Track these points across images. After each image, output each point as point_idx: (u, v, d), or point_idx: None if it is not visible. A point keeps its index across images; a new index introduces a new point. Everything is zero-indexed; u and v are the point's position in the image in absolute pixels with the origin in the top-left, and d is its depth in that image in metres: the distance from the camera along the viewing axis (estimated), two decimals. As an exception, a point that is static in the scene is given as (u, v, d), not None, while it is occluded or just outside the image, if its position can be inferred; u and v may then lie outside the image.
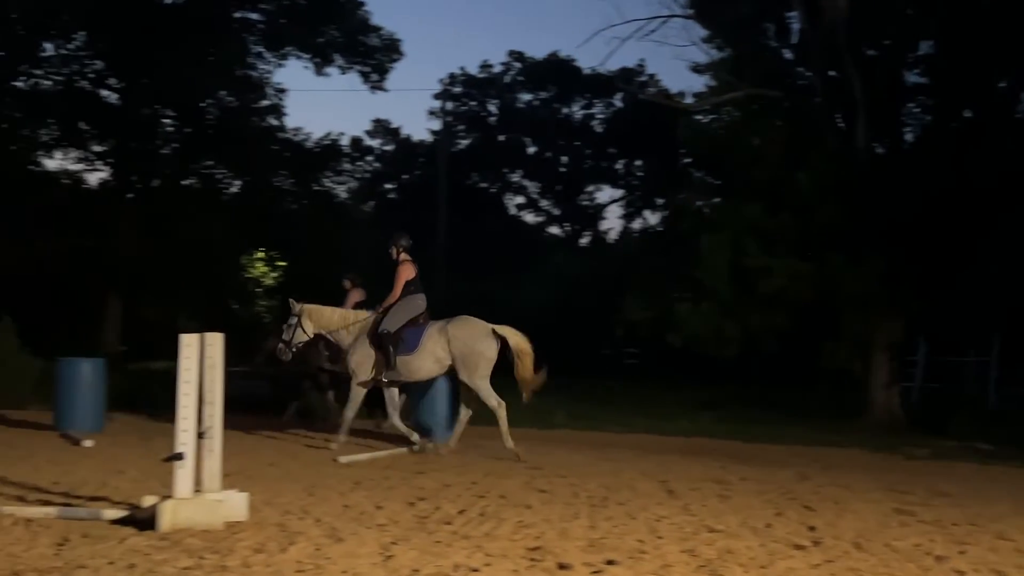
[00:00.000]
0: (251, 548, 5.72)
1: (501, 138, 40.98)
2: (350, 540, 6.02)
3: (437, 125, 39.14)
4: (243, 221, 30.11)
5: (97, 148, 30.29)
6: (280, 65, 31.43)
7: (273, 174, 31.71)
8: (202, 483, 6.40)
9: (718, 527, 6.79)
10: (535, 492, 8.28)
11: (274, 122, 31.62)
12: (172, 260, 28.36)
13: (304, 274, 29.99)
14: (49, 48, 29.19)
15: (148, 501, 6.34)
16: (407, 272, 11.77)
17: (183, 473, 6.30)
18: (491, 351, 11.20)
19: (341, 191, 34.93)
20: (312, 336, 12.03)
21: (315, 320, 11.96)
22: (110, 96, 30.09)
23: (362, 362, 11.61)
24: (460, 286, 28.18)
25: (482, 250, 34.50)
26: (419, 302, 11.72)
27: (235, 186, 32.29)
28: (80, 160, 30.36)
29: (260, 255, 34.87)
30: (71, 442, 11.44)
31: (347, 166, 35.52)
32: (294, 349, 12.04)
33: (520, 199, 41.60)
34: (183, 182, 31.27)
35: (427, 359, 11.38)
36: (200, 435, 6.38)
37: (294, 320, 11.92)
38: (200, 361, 6.42)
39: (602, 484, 8.80)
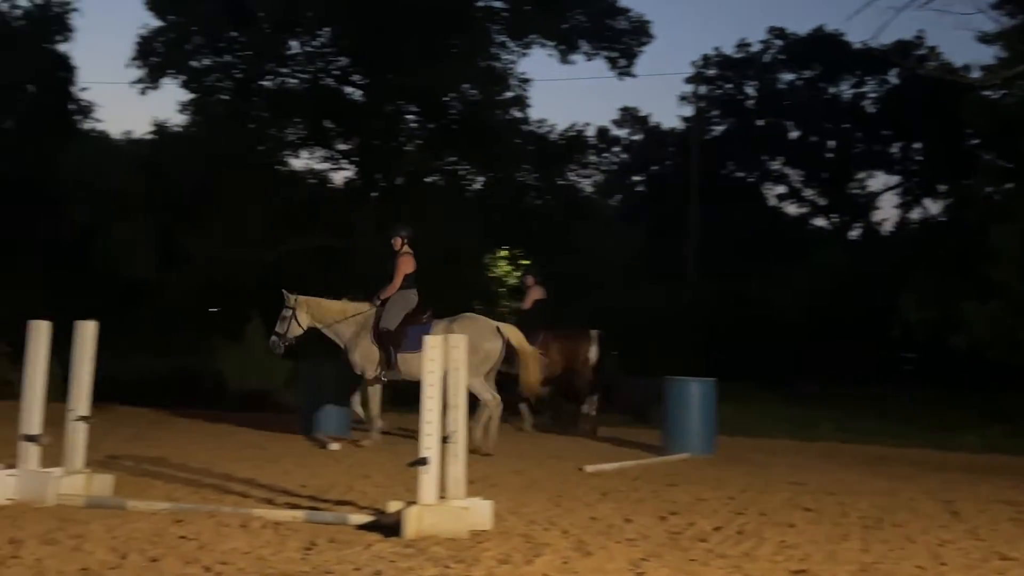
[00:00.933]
0: (496, 558, 5.86)
1: (760, 123, 40.09)
2: (598, 554, 6.06)
3: (689, 111, 38.76)
4: (486, 218, 30.83)
5: (342, 146, 31.78)
6: (524, 54, 31.96)
7: (516, 169, 32.28)
8: (447, 489, 6.61)
9: (1011, 554, 6.40)
10: (799, 510, 8.06)
11: (518, 114, 32.16)
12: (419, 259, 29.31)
13: (548, 272, 30.43)
14: (295, 46, 30.87)
15: (393, 507, 6.59)
16: (407, 265, 12.29)
17: (428, 479, 6.52)
18: (495, 350, 11.83)
19: (586, 185, 35.20)
20: (306, 329, 12.35)
21: (312, 312, 12.34)
22: (354, 93, 31.53)
23: (366, 357, 12.11)
24: (712, 286, 27.80)
25: (737, 246, 33.89)
26: (412, 297, 12.24)
27: (478, 182, 33.12)
28: (326, 159, 31.98)
29: (503, 254, 35.62)
30: (318, 445, 12.08)
31: (593, 158, 35.72)
32: (288, 343, 12.43)
33: (781, 189, 40.56)
34: (426, 179, 32.37)
35: None
36: (444, 440, 6.59)
37: (288, 312, 12.33)
38: (444, 364, 6.63)
39: (875, 503, 8.46)
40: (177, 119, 36.15)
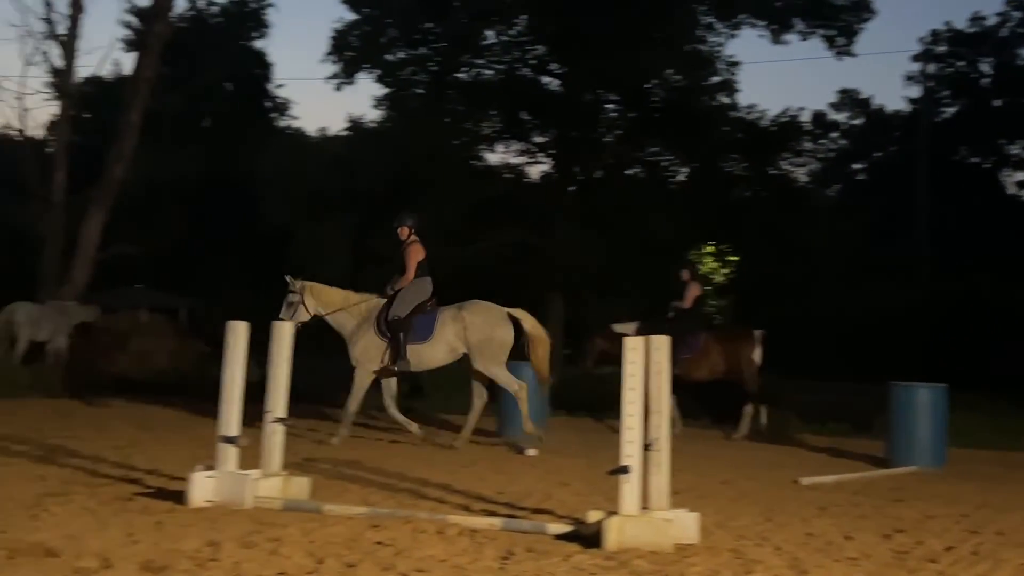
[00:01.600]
0: (703, 574, 5.80)
1: (996, 103, 38.31)
2: (815, 573, 5.92)
3: (916, 92, 37.49)
4: (691, 212, 30.53)
5: (538, 139, 32.04)
6: (732, 36, 31.49)
7: (724, 158, 31.84)
8: (649, 500, 6.58)
9: None
10: (1042, 531, 7.68)
11: (725, 100, 31.69)
12: (614, 256, 29.30)
13: (758, 270, 29.92)
14: (490, 36, 31.30)
15: (593, 516, 6.60)
16: (418, 254, 12.40)
17: (629, 488, 6.50)
18: (509, 336, 12.02)
19: (801, 174, 34.41)
20: (312, 316, 12.36)
21: (317, 299, 12.41)
22: (551, 83, 31.74)
23: (368, 350, 12.21)
24: (944, 284, 26.71)
25: (972, 239, 32.48)
26: (427, 286, 12.37)
27: (682, 173, 32.83)
28: (522, 152, 32.31)
29: (709, 249, 35.21)
30: (515, 450, 12.23)
31: (808, 145, 34.86)
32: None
33: (1021, 175, 38.70)
34: (627, 171, 32.29)
35: (441, 347, 12.15)
36: (646, 447, 6.56)
37: (296, 298, 12.38)
38: (646, 367, 6.60)
39: None
40: (371, 115, 37.27)
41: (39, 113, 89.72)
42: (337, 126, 72.18)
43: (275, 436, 7.86)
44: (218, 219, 34.84)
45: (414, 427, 12.60)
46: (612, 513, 6.50)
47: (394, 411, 12.73)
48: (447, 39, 31.00)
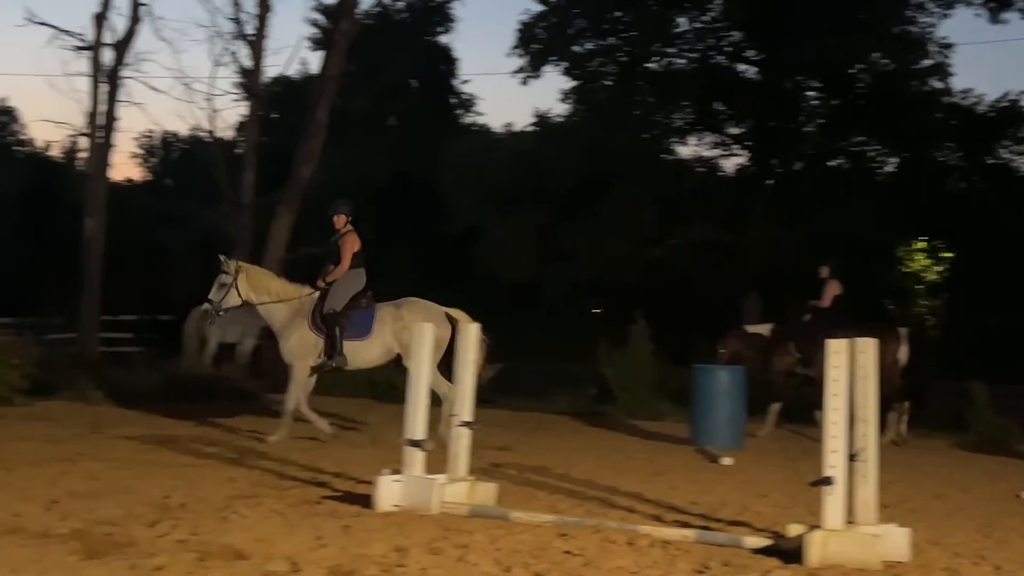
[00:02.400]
0: (914, 596, 5.63)
1: None
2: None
3: None
4: (900, 205, 29.65)
5: (733, 130, 31.65)
6: (945, 16, 30.48)
7: (936, 147, 30.81)
8: (855, 513, 6.42)
9: None
10: None
11: (938, 84, 30.70)
12: (814, 252, 28.68)
13: (976, 268, 28.79)
14: (683, 23, 31.10)
15: (794, 530, 6.49)
16: (353, 244, 12.15)
17: (832, 500, 6.36)
18: (447, 336, 11.64)
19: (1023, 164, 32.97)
20: (243, 302, 12.17)
21: (252, 284, 12.15)
22: (747, 71, 31.32)
23: (303, 345, 11.99)
24: None
25: None
26: (361, 277, 12.17)
27: (889, 164, 31.92)
28: (715, 145, 31.98)
29: (920, 245, 34.10)
30: (708, 459, 12.10)
31: (1031, 132, 33.40)
32: (220, 312, 12.27)
33: None
34: (829, 163, 31.59)
35: (377, 346, 12.08)
36: (852, 457, 6.40)
37: (228, 279, 12.14)
38: (850, 372, 6.45)
39: None
40: (558, 109, 37.49)
41: (228, 114, 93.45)
42: (523, 121, 72.75)
43: (461, 440, 7.98)
44: (403, 219, 35.59)
45: (324, 424, 12.35)
46: (814, 527, 6.37)
47: (305, 408, 12.39)
48: (637, 28, 30.94)
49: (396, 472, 7.74)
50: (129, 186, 48.80)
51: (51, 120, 64.81)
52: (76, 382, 16.04)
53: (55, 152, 50.19)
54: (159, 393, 16.30)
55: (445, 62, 44.54)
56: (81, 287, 22.79)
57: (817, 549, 6.23)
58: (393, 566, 5.92)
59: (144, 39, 73.20)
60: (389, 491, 7.64)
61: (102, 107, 23.07)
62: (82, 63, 23.52)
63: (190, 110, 32.34)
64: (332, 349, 11.95)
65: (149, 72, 60.00)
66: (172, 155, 58.09)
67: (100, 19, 22.91)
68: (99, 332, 23.30)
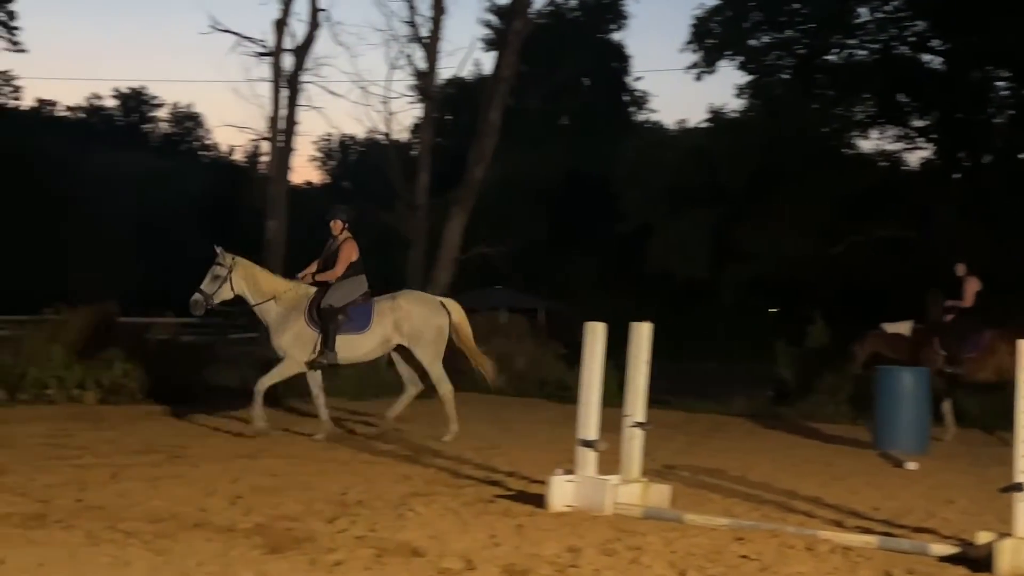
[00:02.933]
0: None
1: None
2: None
3: None
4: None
5: (918, 123, 30.76)
6: None
7: None
8: (1048, 523, 6.19)
9: None
10: None
11: None
12: (1005, 251, 27.64)
13: None
14: (863, 13, 30.37)
15: (983, 538, 6.28)
16: (352, 252, 11.94)
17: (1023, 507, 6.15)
18: (446, 325, 12.13)
19: None
20: (235, 295, 11.96)
21: (247, 279, 11.95)
22: (932, 61, 30.40)
23: (300, 340, 11.78)
24: None
25: None
26: (363, 284, 12.01)
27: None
28: (899, 138, 31.14)
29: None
30: (892, 463, 11.79)
31: None
32: (211, 306, 11.96)
33: None
34: (1021, 155, 30.43)
35: (376, 338, 11.98)
36: (1045, 464, 6.17)
37: (223, 272, 11.94)
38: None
39: None
40: (733, 104, 37.11)
41: (404, 117, 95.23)
42: (697, 117, 72.17)
43: (634, 441, 7.96)
44: (576, 218, 35.68)
45: (325, 425, 12.11)
46: (1005, 535, 6.16)
47: (321, 405, 12.20)
48: (815, 19, 30.35)
49: (569, 472, 7.77)
50: (308, 189, 50.20)
51: (234, 125, 67.14)
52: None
53: (238, 156, 52.01)
54: (338, 391, 16.73)
55: (618, 59, 44.49)
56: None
57: (1008, 558, 6.03)
58: (566, 566, 5.94)
59: (323, 44, 75.18)
60: (562, 491, 7.68)
61: (283, 111, 23.77)
62: (263, 69, 24.25)
63: (366, 113, 33.12)
64: (324, 345, 11.77)
65: (327, 76, 61.69)
66: (349, 158, 59.58)
67: (281, 25, 23.61)
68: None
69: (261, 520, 6.91)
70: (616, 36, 44.36)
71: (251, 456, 10.06)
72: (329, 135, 60.71)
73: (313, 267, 12.19)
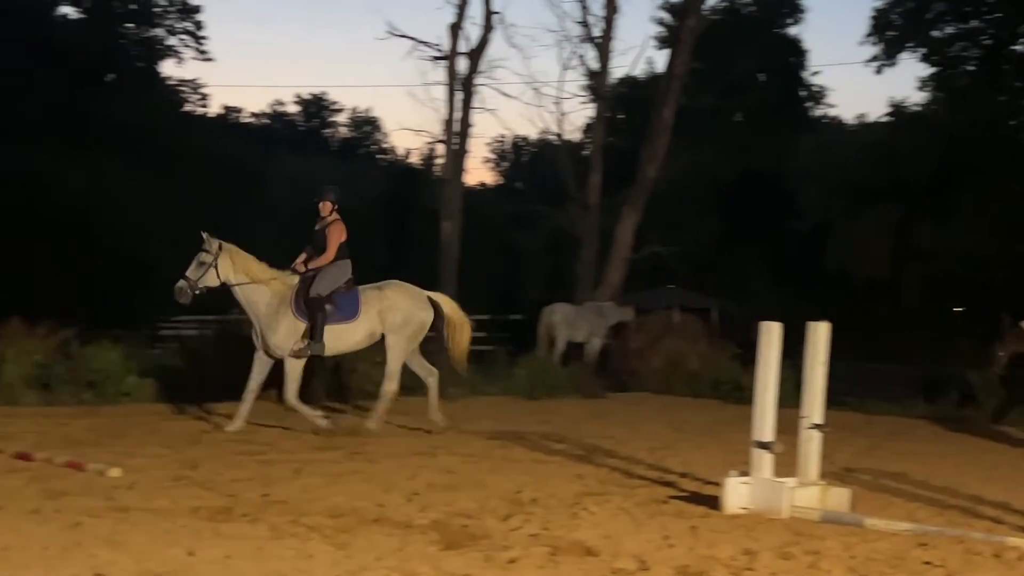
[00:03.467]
0: None
1: None
2: None
3: None
4: None
5: None
6: None
7: None
8: None
9: None
10: None
11: None
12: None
13: None
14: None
15: None
16: (340, 233, 11.72)
17: None
18: (429, 319, 11.98)
19: None
20: (221, 283, 11.62)
21: (234, 266, 11.62)
22: None
23: (290, 335, 11.55)
24: None
25: None
26: (347, 269, 11.76)
27: None
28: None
29: None
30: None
31: None
32: (197, 292, 11.60)
33: None
34: None
35: (363, 328, 11.76)
36: None
37: (208, 259, 11.59)
38: None
39: None
40: (915, 97, 36.10)
41: (576, 117, 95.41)
42: (877, 112, 70.33)
43: (812, 443, 7.82)
44: (750, 216, 35.21)
45: (312, 415, 11.84)
46: None
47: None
48: (1003, 8, 29.27)
49: (744, 474, 7.68)
50: (482, 189, 50.80)
51: (410, 128, 68.40)
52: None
53: (414, 159, 52.93)
54: (510, 390, 16.91)
55: (794, 54, 43.69)
56: (437, 287, 23.88)
57: None
58: (742, 569, 5.87)
59: (496, 46, 76.03)
60: (737, 493, 7.59)
61: (457, 114, 24.12)
62: (439, 72, 24.71)
63: (539, 114, 33.28)
64: (312, 335, 11.56)
65: (501, 79, 62.26)
66: (522, 158, 60.04)
67: (455, 29, 23.95)
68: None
69: (437, 516, 7.02)
70: (792, 30, 43.57)
71: (427, 454, 10.23)
72: (502, 136, 61.26)
73: (303, 256, 11.92)
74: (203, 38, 49.53)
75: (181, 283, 11.57)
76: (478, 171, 79.72)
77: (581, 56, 25.06)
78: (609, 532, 6.69)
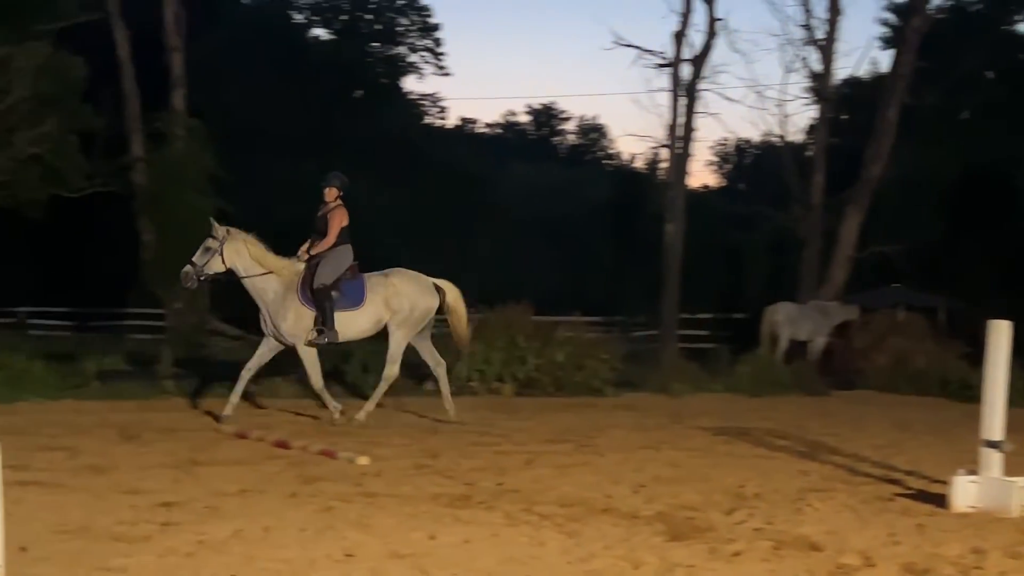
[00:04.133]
0: None
1: None
2: None
3: None
4: None
5: None
6: None
7: None
8: None
9: None
10: None
11: None
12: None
13: None
14: None
15: None
16: (342, 218, 11.45)
17: None
18: (434, 306, 11.77)
19: None
20: (227, 269, 11.34)
21: (240, 253, 11.30)
22: None
23: (300, 323, 11.32)
24: None
25: None
26: (349, 254, 11.49)
27: None
28: None
29: None
30: None
31: None
32: (202, 278, 11.42)
33: None
34: None
35: (369, 315, 11.52)
36: None
37: (214, 245, 11.32)
38: None
39: None
40: None
41: (799, 118, 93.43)
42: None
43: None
44: (977, 215, 33.67)
45: (333, 406, 11.56)
46: None
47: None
48: None
49: (972, 473, 7.37)
50: (704, 192, 50.33)
51: (635, 134, 68.57)
52: (659, 376, 16.80)
53: (638, 164, 52.87)
54: (733, 387, 16.71)
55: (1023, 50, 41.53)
56: (661, 288, 23.80)
57: None
58: (970, 568, 5.65)
59: (719, 52, 75.13)
60: (965, 492, 7.30)
61: (681, 119, 23.96)
62: (663, 79, 24.62)
63: (762, 117, 32.76)
64: (323, 323, 11.30)
65: (723, 83, 61.51)
66: (745, 161, 59.20)
67: (679, 37, 23.80)
68: (678, 329, 24.19)
69: (662, 508, 7.01)
70: (1022, 27, 41.44)
71: (653, 448, 10.20)
72: (725, 139, 60.51)
73: (307, 244, 11.62)
74: (442, 54, 50.79)
75: (187, 268, 11.41)
76: (701, 174, 79.01)
77: (804, 59, 24.55)
78: (833, 528, 6.53)
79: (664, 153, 25.99)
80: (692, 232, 24.34)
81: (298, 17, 47.35)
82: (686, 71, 23.95)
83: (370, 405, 11.66)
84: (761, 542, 6.08)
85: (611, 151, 66.68)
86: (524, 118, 67.22)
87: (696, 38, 24.42)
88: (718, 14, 24.02)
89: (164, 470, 8.12)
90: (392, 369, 11.66)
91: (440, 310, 12.08)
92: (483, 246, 39.23)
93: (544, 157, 57.48)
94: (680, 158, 24.31)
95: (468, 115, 65.82)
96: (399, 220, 36.19)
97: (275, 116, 36.43)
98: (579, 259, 39.63)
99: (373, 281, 11.63)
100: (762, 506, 7.22)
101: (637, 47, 24.33)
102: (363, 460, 8.56)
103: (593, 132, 68.03)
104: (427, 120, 53.34)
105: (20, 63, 16.83)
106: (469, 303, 12.47)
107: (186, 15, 23.71)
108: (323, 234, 11.44)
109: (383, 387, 11.73)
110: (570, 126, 68.47)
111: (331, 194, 11.56)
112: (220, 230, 11.39)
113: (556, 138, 68.17)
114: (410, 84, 51.80)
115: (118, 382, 14.02)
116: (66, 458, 8.59)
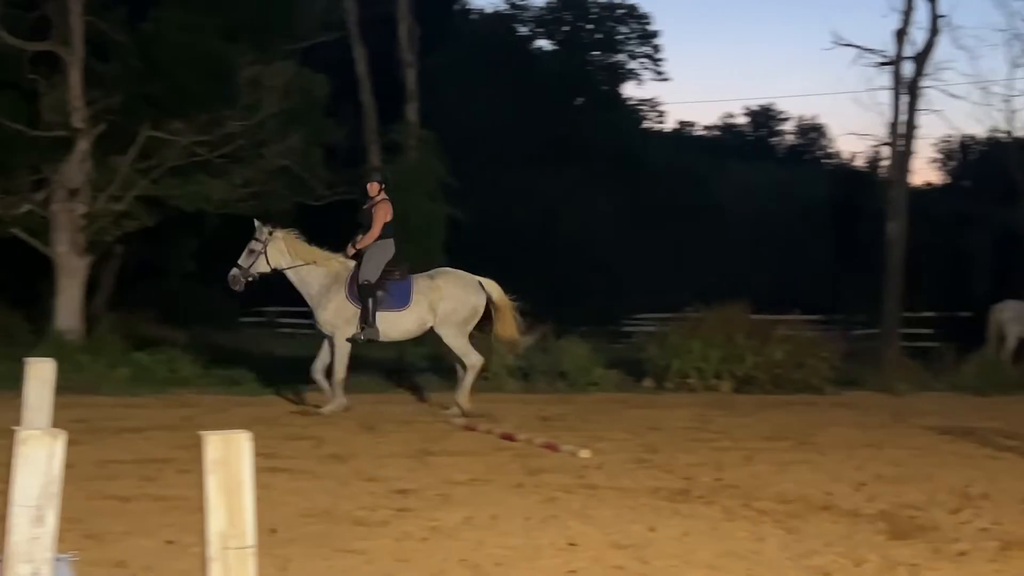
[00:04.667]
0: None
1: None
2: None
3: None
4: None
5: None
6: None
7: None
8: None
9: None
10: None
11: None
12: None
13: None
14: None
15: None
16: (386, 213, 11.32)
17: None
18: (481, 305, 11.49)
19: None
20: (272, 269, 11.29)
21: (284, 251, 11.25)
22: None
23: (339, 315, 11.16)
24: None
25: None
26: (391, 248, 11.34)
27: None
28: None
29: None
30: None
31: None
32: (249, 279, 11.30)
33: None
34: None
35: (414, 317, 11.32)
36: None
37: (258, 247, 11.25)
38: None
39: None
40: None
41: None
42: None
43: None
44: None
45: (333, 400, 11.29)
46: None
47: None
48: None
49: None
50: (927, 190, 48.34)
51: (855, 133, 66.48)
52: (880, 374, 16.26)
53: (858, 162, 51.26)
54: (957, 386, 16.02)
55: None
56: (882, 286, 23.02)
57: None
58: None
59: (942, 49, 72.19)
60: None
61: (902, 117, 23.10)
62: (883, 77, 23.75)
63: (987, 113, 31.29)
64: (365, 320, 11.11)
65: (947, 80, 58.93)
66: (969, 157, 56.57)
67: (901, 35, 22.94)
68: (900, 328, 23.35)
69: (885, 507, 6.79)
70: None
71: (875, 446, 9.89)
72: (949, 136, 57.95)
73: (357, 238, 11.49)
74: (660, 60, 50.52)
75: (234, 271, 11.36)
76: (924, 171, 75.92)
77: (1030, 53, 23.33)
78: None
79: (885, 151, 25.14)
80: (914, 230, 23.46)
81: (522, 29, 47.96)
82: (908, 69, 23.08)
83: (463, 396, 11.42)
84: (988, 542, 5.82)
85: (830, 150, 64.83)
86: (742, 120, 66.11)
87: (918, 35, 23.51)
88: (941, 11, 23.05)
89: (400, 459, 8.40)
90: (471, 359, 11.53)
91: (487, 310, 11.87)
92: (700, 245, 38.80)
93: (762, 158, 56.40)
94: (902, 156, 23.43)
95: (686, 119, 65.09)
96: (620, 221, 36.21)
97: (502, 125, 36.98)
98: (795, 257, 38.75)
99: (420, 284, 11.55)
100: (989, 506, 6.91)
101: (857, 46, 23.60)
102: (585, 453, 8.62)
103: (812, 132, 66.28)
104: (646, 125, 53.16)
105: (268, 82, 17.76)
106: (687, 302, 12.46)
107: (419, 31, 24.37)
108: (368, 228, 11.43)
109: (471, 376, 11.52)
110: (788, 126, 66.92)
111: (373, 188, 11.56)
112: (263, 231, 11.43)
113: (774, 139, 66.74)
114: (629, 90, 51.72)
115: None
116: (312, 447, 8.99)
